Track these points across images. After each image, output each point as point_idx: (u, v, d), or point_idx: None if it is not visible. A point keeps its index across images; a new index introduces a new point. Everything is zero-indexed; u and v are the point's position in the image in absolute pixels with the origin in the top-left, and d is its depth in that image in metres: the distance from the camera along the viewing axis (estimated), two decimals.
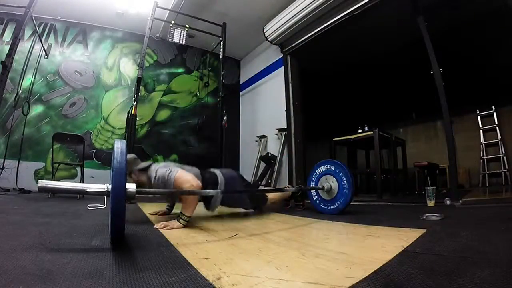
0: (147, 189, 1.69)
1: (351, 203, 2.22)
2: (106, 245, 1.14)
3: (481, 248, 1.04)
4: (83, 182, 3.61)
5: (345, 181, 2.13)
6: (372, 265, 0.84)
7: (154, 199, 4.37)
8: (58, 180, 4.14)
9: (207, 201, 1.93)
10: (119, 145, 1.11)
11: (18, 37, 2.92)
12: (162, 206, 3.13)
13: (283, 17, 4.32)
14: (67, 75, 4.82)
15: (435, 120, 5.31)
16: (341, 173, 2.17)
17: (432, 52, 3.06)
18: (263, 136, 5.04)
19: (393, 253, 0.97)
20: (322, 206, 2.28)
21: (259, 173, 4.77)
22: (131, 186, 1.18)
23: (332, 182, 2.21)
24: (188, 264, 0.88)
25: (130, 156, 1.82)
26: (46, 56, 4.41)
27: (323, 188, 2.24)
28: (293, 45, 4.58)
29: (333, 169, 2.24)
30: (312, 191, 2.39)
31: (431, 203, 2.44)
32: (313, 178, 2.37)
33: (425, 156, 4.76)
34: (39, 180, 1.10)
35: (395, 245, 1.09)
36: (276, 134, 4.74)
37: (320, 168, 2.35)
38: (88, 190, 1.12)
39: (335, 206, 2.17)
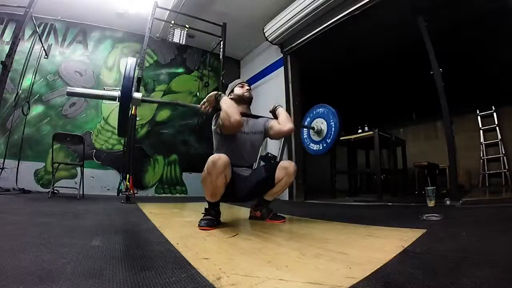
0: (152, 99, 2.08)
1: (354, 203, 2.22)
2: (106, 245, 1.14)
3: (481, 248, 1.04)
4: (83, 182, 3.62)
5: (333, 124, 2.18)
6: (372, 265, 0.84)
7: (155, 199, 4.38)
8: (58, 180, 4.14)
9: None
10: (131, 61, 1.50)
11: (18, 37, 2.92)
12: (162, 207, 3.13)
13: (283, 17, 4.31)
14: (67, 75, 4.82)
15: (435, 120, 5.31)
16: (331, 116, 2.22)
17: (432, 52, 3.06)
18: None
19: (393, 253, 0.97)
20: (313, 148, 2.34)
21: None
22: (137, 94, 1.53)
23: (322, 124, 2.26)
24: (188, 264, 0.88)
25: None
26: (46, 56, 4.41)
27: (313, 128, 2.29)
28: (293, 45, 4.58)
29: (324, 112, 2.29)
30: (304, 136, 2.45)
31: (431, 203, 2.44)
32: (305, 123, 2.42)
33: (425, 156, 4.77)
34: (68, 87, 1.56)
35: (395, 245, 1.09)
36: None
37: (313, 111, 2.41)
38: (105, 95, 1.55)
39: (324, 146, 2.23)
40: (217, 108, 1.74)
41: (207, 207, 1.76)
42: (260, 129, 1.94)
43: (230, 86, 2.00)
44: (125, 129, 1.51)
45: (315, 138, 2.32)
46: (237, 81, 2.01)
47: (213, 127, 1.85)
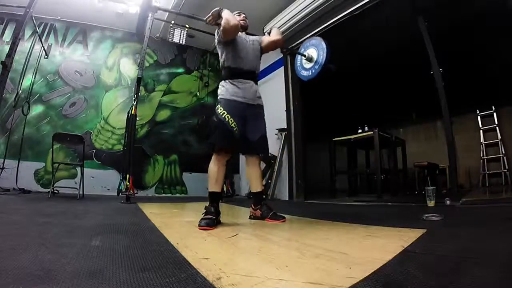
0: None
1: (354, 203, 2.21)
2: (106, 245, 1.14)
3: (481, 248, 1.04)
4: (83, 182, 3.61)
5: (322, 54, 2.27)
6: (372, 265, 0.84)
7: (155, 199, 4.38)
8: (58, 180, 4.14)
9: None
10: None
11: (18, 37, 2.92)
12: (162, 207, 3.13)
13: (283, 17, 4.32)
14: (67, 75, 4.83)
15: (435, 120, 5.31)
16: (321, 48, 2.31)
17: (432, 52, 3.06)
18: None
19: (393, 253, 0.97)
20: (302, 73, 2.48)
21: None
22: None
23: (313, 52, 2.35)
24: (188, 264, 0.88)
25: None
26: (46, 56, 4.41)
27: (305, 56, 2.39)
28: (293, 45, 4.58)
29: (316, 43, 2.39)
30: (297, 62, 2.56)
31: (431, 203, 2.44)
32: (301, 50, 2.51)
33: (425, 156, 4.76)
34: None
35: (395, 245, 1.09)
36: (276, 134, 4.74)
37: (307, 43, 2.51)
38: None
39: (311, 72, 2.35)
40: (219, 23, 1.87)
41: (207, 205, 1.78)
42: (257, 40, 2.14)
43: None
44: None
45: (307, 65, 2.42)
46: (236, 12, 2.14)
47: (216, 39, 2.00)
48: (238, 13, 2.14)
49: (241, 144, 1.91)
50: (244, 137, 1.90)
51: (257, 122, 1.99)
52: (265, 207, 1.99)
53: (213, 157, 1.85)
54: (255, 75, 2.05)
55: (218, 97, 1.94)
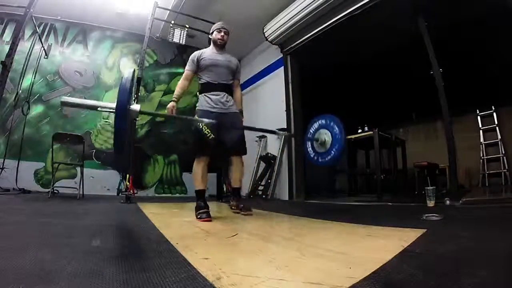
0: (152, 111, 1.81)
1: (354, 203, 2.23)
2: (106, 245, 1.14)
3: (481, 248, 1.04)
4: (83, 182, 3.61)
5: (338, 132, 2.23)
6: (372, 265, 0.84)
7: (154, 199, 4.38)
8: (58, 180, 4.14)
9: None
10: (127, 75, 1.41)
11: (18, 37, 2.91)
12: (162, 207, 3.13)
13: (283, 17, 4.31)
14: (67, 75, 4.82)
15: (435, 120, 5.30)
16: (333, 125, 2.22)
17: (432, 52, 3.06)
18: (263, 136, 5.04)
19: (393, 253, 0.97)
20: (319, 160, 2.35)
21: (259, 173, 4.77)
22: (135, 107, 1.51)
23: (326, 135, 2.27)
24: (188, 264, 0.88)
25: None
26: (46, 56, 4.40)
27: (317, 140, 2.33)
28: (293, 45, 4.58)
29: (326, 122, 2.32)
30: (308, 148, 2.46)
31: (431, 203, 2.44)
32: (309, 136, 2.43)
33: (425, 156, 4.75)
34: (63, 97, 1.42)
35: (395, 245, 1.09)
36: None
37: (314, 124, 2.41)
38: (101, 105, 1.45)
39: (330, 156, 2.25)
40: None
41: (197, 203, 2.05)
42: (234, 63, 2.33)
43: (212, 27, 2.36)
44: (122, 144, 1.44)
45: (321, 150, 2.35)
46: (218, 24, 2.31)
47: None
48: (219, 29, 2.27)
49: (215, 149, 2.12)
50: (221, 141, 2.11)
51: (232, 128, 2.18)
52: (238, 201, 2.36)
53: (195, 161, 2.15)
54: (228, 87, 2.26)
55: (196, 109, 2.19)
